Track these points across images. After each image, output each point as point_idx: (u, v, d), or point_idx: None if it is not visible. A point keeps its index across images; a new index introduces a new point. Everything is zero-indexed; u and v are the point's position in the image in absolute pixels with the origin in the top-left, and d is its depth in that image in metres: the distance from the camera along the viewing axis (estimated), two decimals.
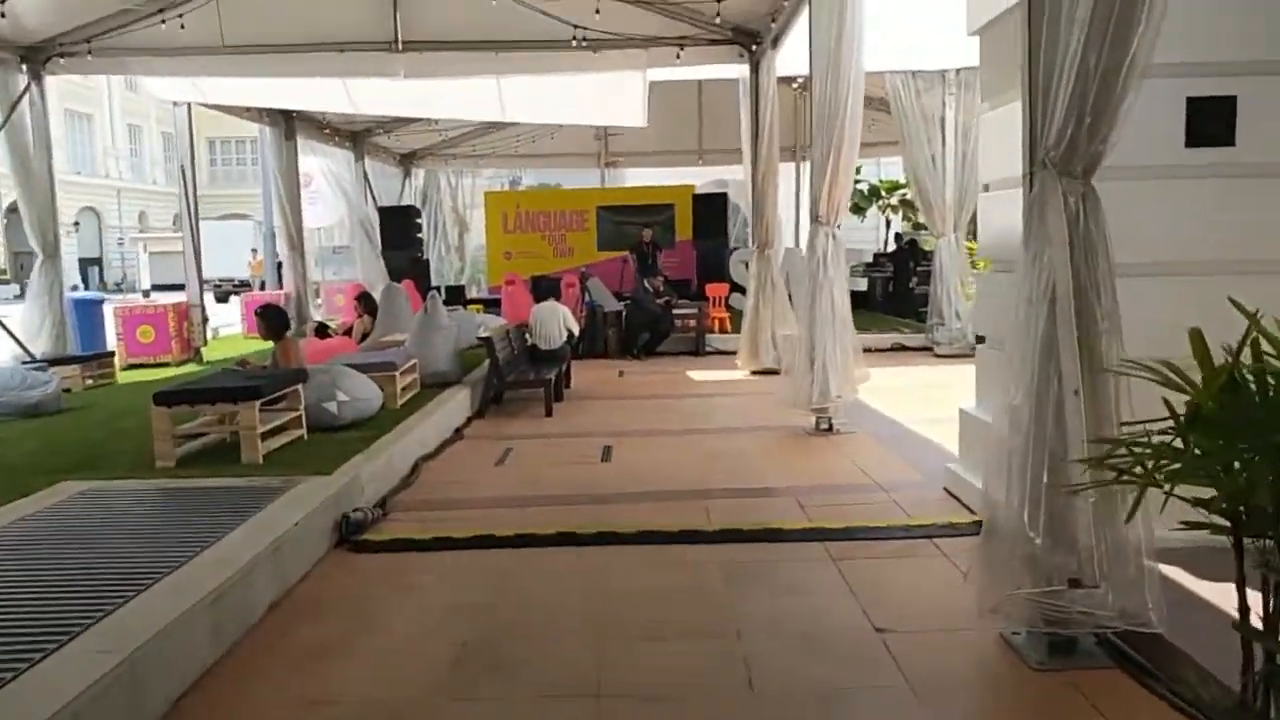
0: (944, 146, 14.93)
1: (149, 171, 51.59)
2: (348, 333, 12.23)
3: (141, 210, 50.98)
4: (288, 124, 18.30)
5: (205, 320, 16.04)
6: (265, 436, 7.25)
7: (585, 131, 23.60)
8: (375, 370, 9.19)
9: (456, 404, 9.98)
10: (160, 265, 42.69)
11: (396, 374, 9.33)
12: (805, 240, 9.48)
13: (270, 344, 8.72)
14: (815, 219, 8.84)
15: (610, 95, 13.85)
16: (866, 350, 9.31)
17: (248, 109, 17.31)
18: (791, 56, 13.00)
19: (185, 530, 5.39)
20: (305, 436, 7.81)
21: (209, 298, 32.57)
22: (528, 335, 12.19)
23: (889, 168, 38.75)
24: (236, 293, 28.46)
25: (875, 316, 18.80)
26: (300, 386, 7.81)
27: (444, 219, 28.12)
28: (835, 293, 8.79)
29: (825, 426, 8.92)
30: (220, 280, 35.73)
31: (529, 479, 7.55)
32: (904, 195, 38.20)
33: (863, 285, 18.66)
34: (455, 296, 20.45)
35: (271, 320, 8.45)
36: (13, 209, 18.06)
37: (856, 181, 37.94)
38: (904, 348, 15.61)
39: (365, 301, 12.33)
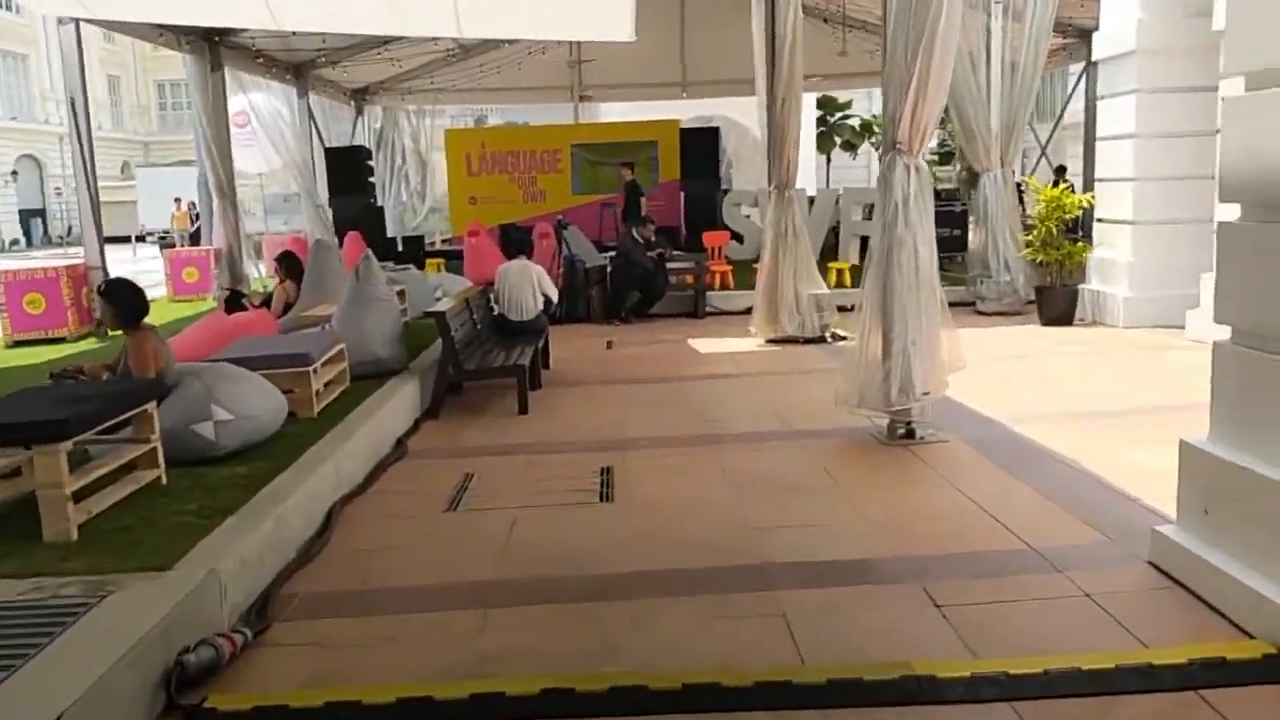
0: (987, 69, 12.22)
1: (94, 116, 47.67)
2: (266, 303, 9.52)
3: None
4: (213, 52, 15.32)
5: None
6: (88, 491, 4.61)
7: (555, 62, 20.67)
8: (280, 365, 6.52)
9: (398, 404, 7.33)
10: (104, 217, 39.34)
11: (312, 369, 6.66)
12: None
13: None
14: (893, 147, 6.19)
15: (588, 1, 11.00)
16: None
17: (159, 32, 14.30)
18: None
19: None
20: (163, 480, 5.16)
21: (151, 251, 29.67)
22: (494, 303, 9.52)
23: (880, 101, 35.95)
24: (171, 246, 25.49)
25: None
26: (153, 405, 5.13)
27: (404, 161, 25.28)
28: (919, 247, 6.18)
29: (903, 432, 6.36)
30: (164, 232, 32.47)
31: (494, 540, 4.92)
32: None
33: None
34: (414, 249, 17.67)
35: (118, 301, 5.72)
36: None
37: (846, 117, 35.32)
38: None
39: (287, 263, 9.57)
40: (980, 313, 12.05)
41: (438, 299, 10.40)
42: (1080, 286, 11.15)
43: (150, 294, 15.96)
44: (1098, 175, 11.36)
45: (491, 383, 8.34)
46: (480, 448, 6.83)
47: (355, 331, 7.70)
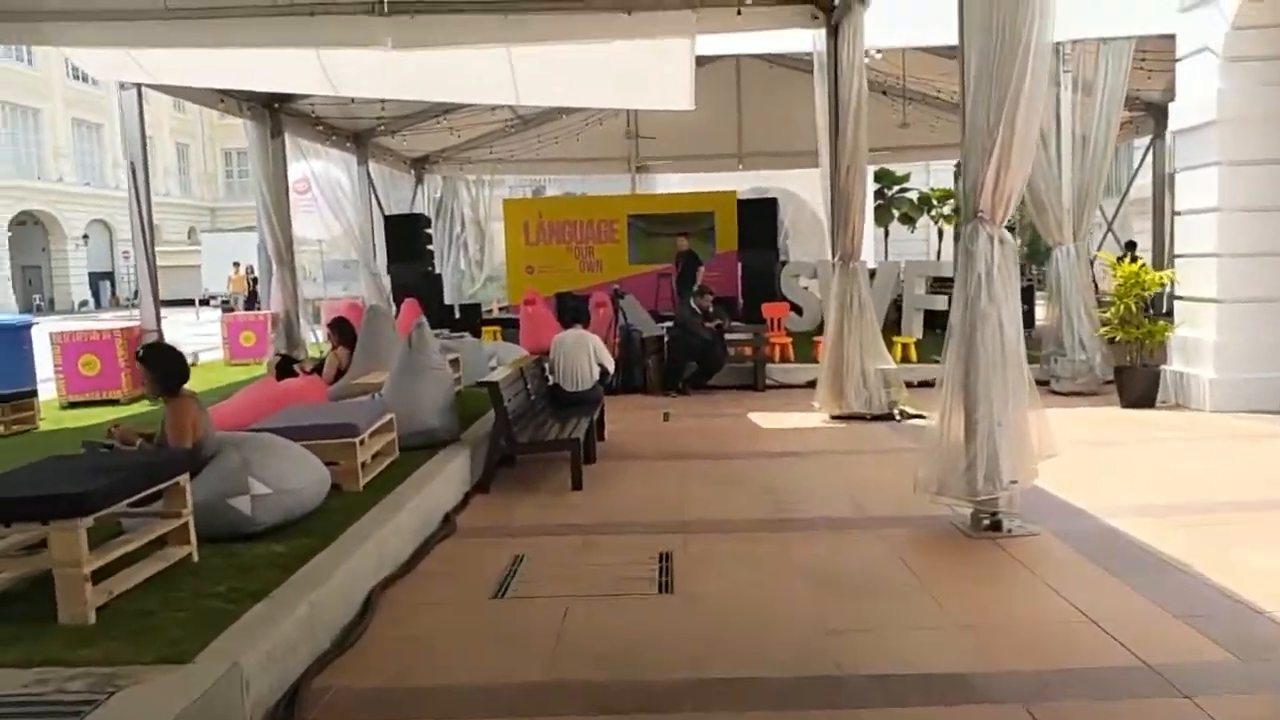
0: (1058, 142, 11.80)
1: (162, 182, 48.84)
2: (319, 370, 9.28)
3: (155, 223, 48.24)
4: (273, 119, 15.45)
5: None
6: (112, 569, 4.28)
7: (613, 133, 20.69)
8: (325, 435, 6.21)
9: (447, 477, 6.97)
10: (168, 279, 40.02)
11: (359, 440, 6.34)
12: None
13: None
14: (975, 216, 5.79)
15: (648, 71, 10.82)
16: None
17: (220, 98, 14.42)
18: (883, 18, 10.08)
19: None
20: (194, 557, 4.83)
21: (213, 314, 30.00)
22: (549, 372, 9.19)
23: (938, 174, 35.78)
24: (230, 310, 25.66)
25: None
26: (185, 478, 4.81)
27: (463, 230, 25.38)
28: (1004, 322, 5.73)
29: (988, 524, 5.85)
30: (226, 296, 32.87)
31: (543, 634, 4.47)
32: (956, 204, 35.15)
33: (941, 303, 15.55)
34: (471, 317, 17.51)
35: (157, 368, 5.46)
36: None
37: (904, 190, 35.00)
38: None
39: (339, 329, 9.34)
40: (1055, 393, 11.45)
41: (492, 368, 10.14)
42: (1162, 368, 10.56)
43: (206, 357, 15.85)
44: (1177, 251, 10.82)
45: (545, 455, 7.96)
46: (531, 526, 6.42)
47: (406, 401, 7.38)
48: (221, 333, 16.00)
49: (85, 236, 43.29)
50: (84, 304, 42.49)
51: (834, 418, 10.11)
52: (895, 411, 10.06)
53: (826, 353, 10.23)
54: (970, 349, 5.75)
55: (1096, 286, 12.97)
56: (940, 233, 34.96)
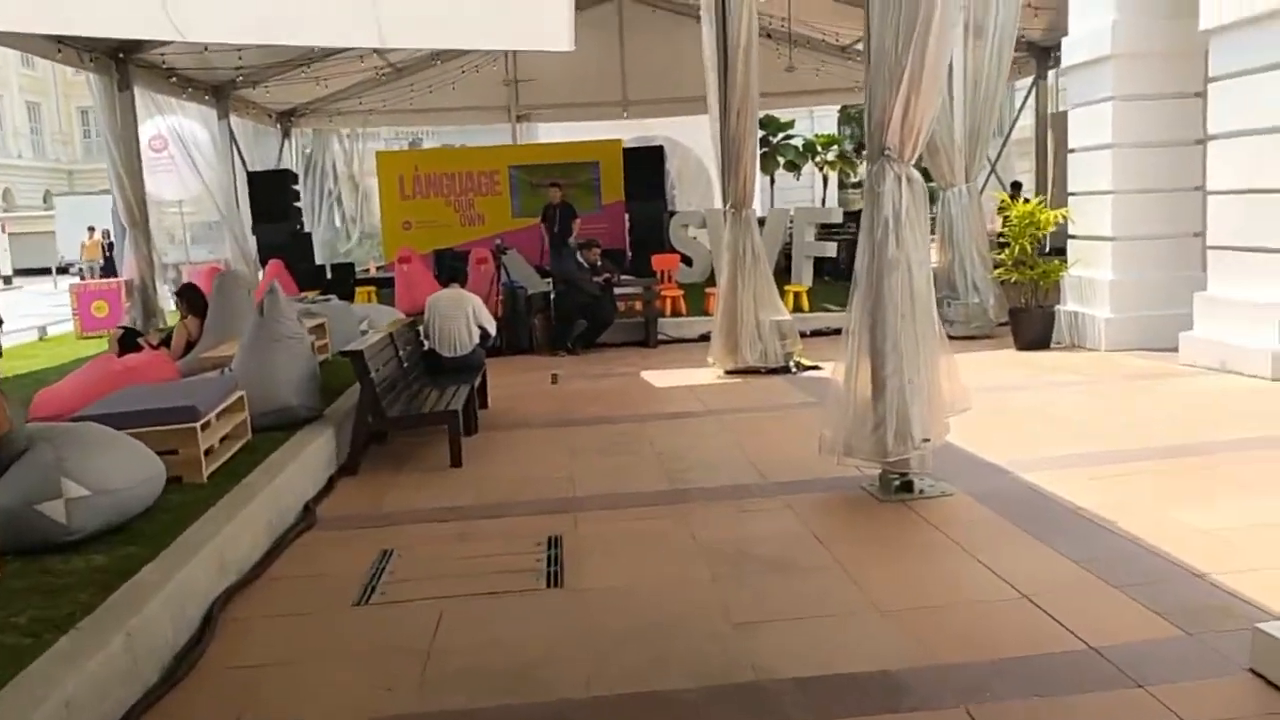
0: (950, 83, 11.42)
1: (12, 144, 45.40)
2: (166, 343, 8.33)
3: (5, 187, 44.90)
4: (120, 70, 14.09)
5: None
6: None
7: (491, 81, 19.75)
8: (160, 420, 5.39)
9: (308, 460, 6.20)
10: (24, 248, 37.42)
11: (201, 424, 5.53)
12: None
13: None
14: (881, 153, 5.26)
15: (524, 6, 10.00)
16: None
17: (58, 47, 13.00)
18: None
19: None
20: None
21: (68, 282, 27.94)
22: (423, 337, 8.45)
23: (822, 120, 35.57)
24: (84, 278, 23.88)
25: (844, 285, 15.36)
26: None
27: (338, 185, 24.10)
28: (914, 269, 5.26)
29: (899, 484, 5.41)
30: (80, 264, 30.66)
31: (414, 648, 3.81)
32: (840, 150, 35.02)
33: (831, 250, 15.21)
34: (344, 278, 16.49)
35: None
36: None
37: (789, 137, 34.70)
38: None
39: (188, 297, 8.37)
40: (951, 337, 11.15)
41: (364, 332, 9.34)
42: (1056, 308, 10.37)
43: (56, 330, 14.49)
44: (1071, 189, 10.60)
45: (420, 430, 7.25)
46: (403, 512, 5.73)
47: (259, 376, 6.55)
48: (71, 303, 14.63)
49: None
50: None
51: (728, 372, 9.63)
52: (791, 364, 9.63)
53: (719, 305, 9.71)
54: (877, 300, 5.26)
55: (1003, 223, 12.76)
56: (825, 180, 34.85)
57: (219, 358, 7.47)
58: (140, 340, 8.37)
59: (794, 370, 9.54)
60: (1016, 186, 17.44)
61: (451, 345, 8.18)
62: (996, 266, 10.75)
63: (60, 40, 12.73)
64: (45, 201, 44.66)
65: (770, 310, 9.69)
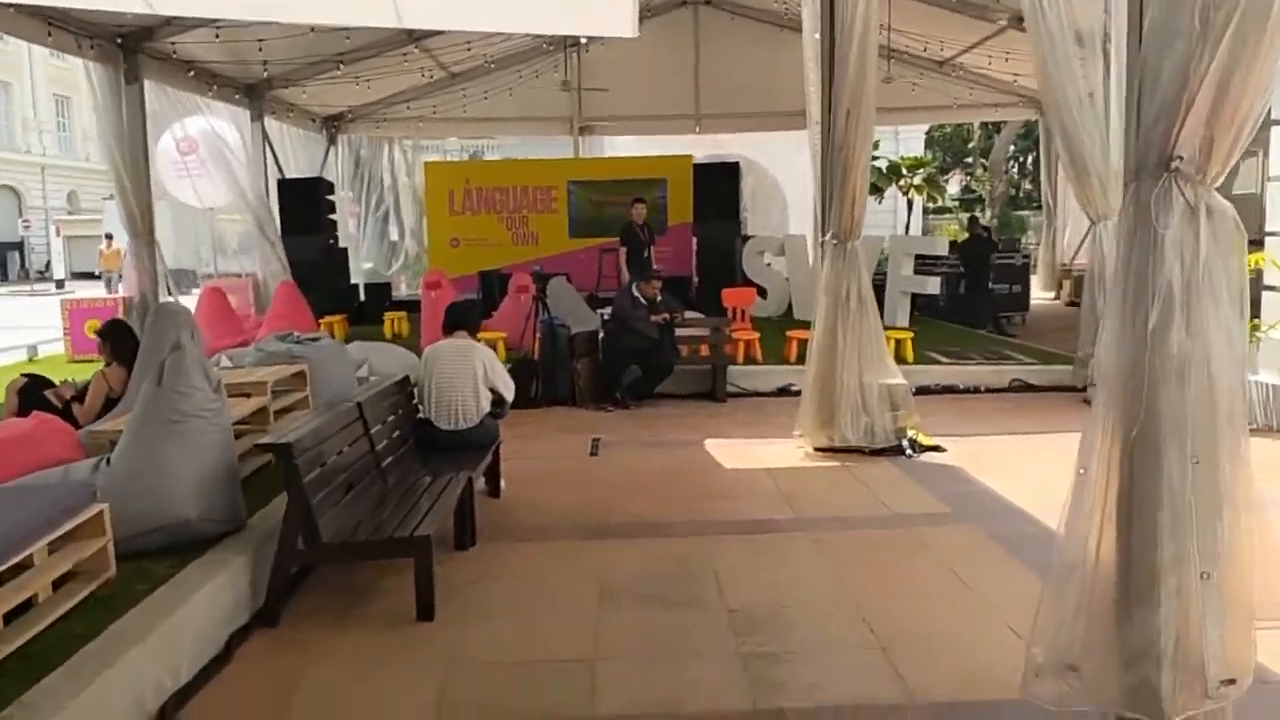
0: (1106, 109, 8.92)
1: (80, 147, 44.56)
2: (81, 396, 6.17)
3: (71, 190, 43.91)
4: (128, 61, 12.25)
5: None
6: None
7: (549, 87, 17.55)
8: None
9: (191, 613, 3.92)
10: (81, 251, 36.26)
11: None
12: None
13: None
14: (1166, 167, 2.81)
15: None
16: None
17: (48, 31, 11.13)
18: None
19: None
20: None
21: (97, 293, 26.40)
22: (416, 400, 6.20)
23: (907, 141, 32.94)
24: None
25: (946, 328, 12.91)
26: None
27: (388, 198, 22.27)
28: (1215, 374, 2.84)
29: None
30: (105, 272, 29.03)
31: None
32: (928, 173, 32.32)
33: (933, 285, 12.78)
34: (377, 300, 14.43)
35: None
36: None
37: (873, 158, 32.05)
38: (1028, 386, 9.69)
39: (112, 337, 6.21)
40: (1089, 402, 8.65)
41: (362, 380, 7.21)
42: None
43: (49, 349, 12.41)
44: (1270, 227, 8.06)
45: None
46: (327, 714, 3.46)
47: (142, 474, 4.32)
48: (62, 321, 12.72)
49: None
50: None
51: (819, 449, 7.27)
52: (905, 443, 7.23)
53: (812, 363, 7.32)
54: (1147, 428, 2.84)
55: None
56: (910, 204, 32.16)
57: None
58: (49, 394, 6.23)
59: (909, 453, 7.14)
60: None
61: (451, 416, 5.92)
62: None
63: (50, 21, 10.91)
64: (68, 201, 43.77)
65: (879, 371, 7.29)
